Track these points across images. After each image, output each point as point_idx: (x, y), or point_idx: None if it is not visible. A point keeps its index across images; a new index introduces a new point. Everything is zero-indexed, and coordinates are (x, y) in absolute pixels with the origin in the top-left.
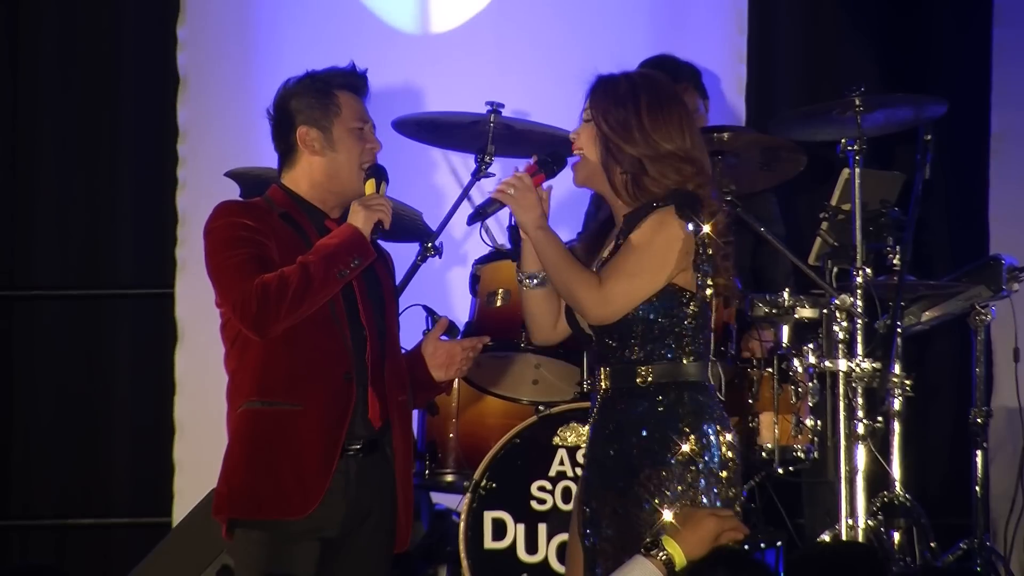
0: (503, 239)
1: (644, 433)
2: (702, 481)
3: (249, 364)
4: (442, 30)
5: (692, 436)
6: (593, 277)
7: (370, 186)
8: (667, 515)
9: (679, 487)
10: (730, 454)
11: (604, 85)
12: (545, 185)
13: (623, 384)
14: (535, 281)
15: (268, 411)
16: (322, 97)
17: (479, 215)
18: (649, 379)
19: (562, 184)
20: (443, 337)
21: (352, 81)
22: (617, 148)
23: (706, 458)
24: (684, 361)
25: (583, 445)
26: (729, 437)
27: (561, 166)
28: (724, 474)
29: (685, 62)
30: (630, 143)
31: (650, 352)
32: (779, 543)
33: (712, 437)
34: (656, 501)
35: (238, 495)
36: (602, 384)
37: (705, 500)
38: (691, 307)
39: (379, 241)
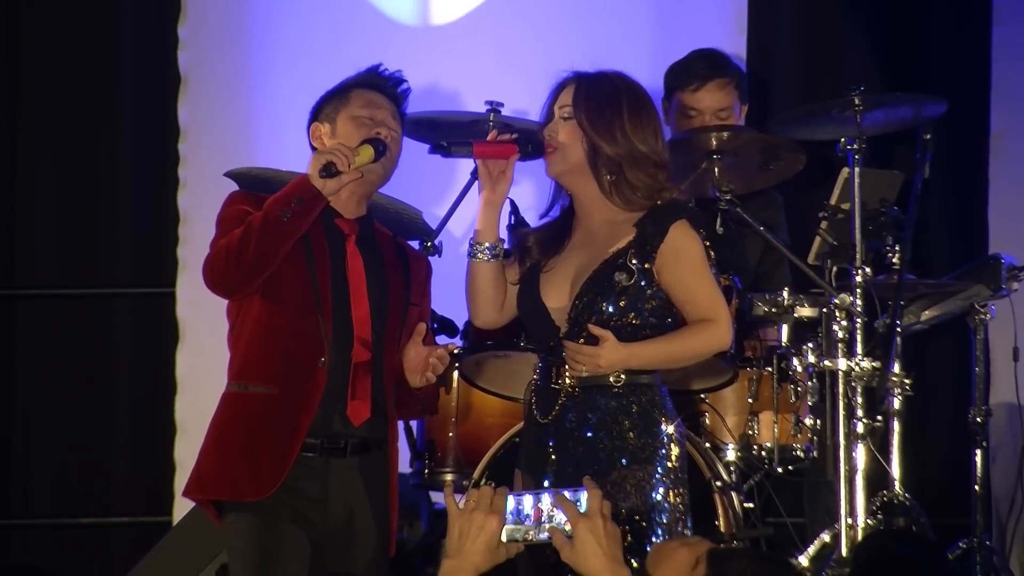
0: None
1: (616, 432)
2: (668, 481)
3: (238, 348)
4: (443, 23)
5: (667, 437)
6: (700, 325)
7: (365, 151)
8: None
9: (648, 487)
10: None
11: (587, 84)
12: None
13: (594, 382)
14: (490, 254)
15: (243, 394)
16: (338, 94)
17: (443, 148)
18: (623, 378)
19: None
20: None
21: (370, 78)
22: (598, 148)
23: (675, 459)
24: None
25: None
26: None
27: (539, 154)
28: (681, 475)
29: (734, 62)
30: (611, 144)
31: None
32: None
33: (678, 439)
34: (630, 501)
35: (204, 475)
36: (566, 381)
37: (668, 501)
38: (674, 314)
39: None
